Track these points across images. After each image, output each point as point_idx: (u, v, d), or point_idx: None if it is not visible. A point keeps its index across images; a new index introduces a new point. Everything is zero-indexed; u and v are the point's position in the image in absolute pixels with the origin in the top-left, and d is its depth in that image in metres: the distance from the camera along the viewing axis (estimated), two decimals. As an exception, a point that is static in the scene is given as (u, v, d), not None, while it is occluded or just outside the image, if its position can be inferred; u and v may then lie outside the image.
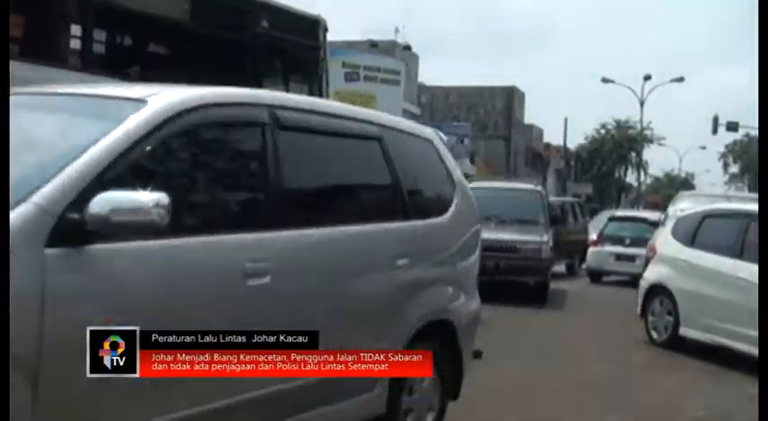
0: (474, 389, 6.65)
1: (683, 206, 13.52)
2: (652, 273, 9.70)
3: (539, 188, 15.17)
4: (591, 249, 17.97)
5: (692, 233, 9.15)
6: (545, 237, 12.73)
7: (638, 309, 9.67)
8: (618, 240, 17.30)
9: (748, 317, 7.40)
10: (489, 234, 11.86)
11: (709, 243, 8.79)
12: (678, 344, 8.89)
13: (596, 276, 18.00)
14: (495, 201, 13.19)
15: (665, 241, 9.82)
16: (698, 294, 8.66)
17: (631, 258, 15.91)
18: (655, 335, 9.29)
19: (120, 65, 8.69)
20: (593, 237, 19.13)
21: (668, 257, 9.44)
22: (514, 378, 7.18)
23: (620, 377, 7.55)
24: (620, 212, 22.01)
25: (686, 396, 6.86)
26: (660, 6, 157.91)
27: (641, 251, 13.79)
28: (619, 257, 17.07)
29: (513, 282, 12.44)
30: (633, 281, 13.19)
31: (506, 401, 6.31)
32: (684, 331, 8.81)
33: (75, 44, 7.73)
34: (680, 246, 9.25)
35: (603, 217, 24.74)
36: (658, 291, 9.33)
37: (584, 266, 19.00)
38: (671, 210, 13.92)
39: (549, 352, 8.51)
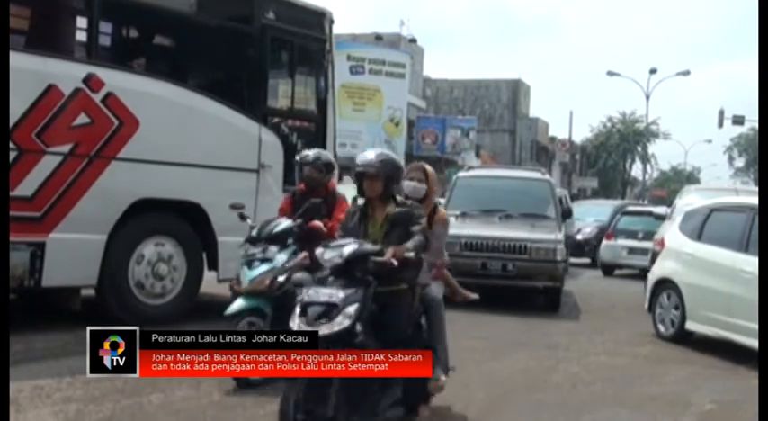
0: (484, 379, 6.67)
1: (690, 200, 13.45)
2: (659, 268, 9.57)
3: (547, 177, 13.28)
4: (604, 243, 18.25)
5: (699, 227, 9.04)
6: (558, 236, 11.30)
7: (646, 304, 9.60)
8: (631, 234, 17.50)
9: (753, 311, 7.32)
10: (494, 231, 10.98)
11: (715, 236, 8.68)
12: (685, 339, 8.79)
13: (609, 269, 18.28)
14: (498, 192, 12.23)
15: (672, 235, 9.65)
16: (704, 288, 8.55)
17: (644, 252, 15.92)
18: (662, 329, 9.21)
19: (125, 57, 8.68)
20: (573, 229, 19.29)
21: (675, 251, 9.31)
22: (523, 370, 7.19)
23: (628, 370, 7.53)
24: (632, 207, 22.09)
25: (694, 389, 6.84)
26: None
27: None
28: (632, 251, 17.28)
29: (521, 287, 11.17)
30: (643, 274, 13.10)
31: (517, 392, 6.31)
32: (690, 325, 8.72)
33: (80, 36, 7.71)
34: (687, 239, 9.14)
35: (584, 205, 24.66)
36: (666, 285, 9.22)
37: (570, 260, 19.04)
38: (678, 203, 13.83)
39: (557, 345, 8.50)
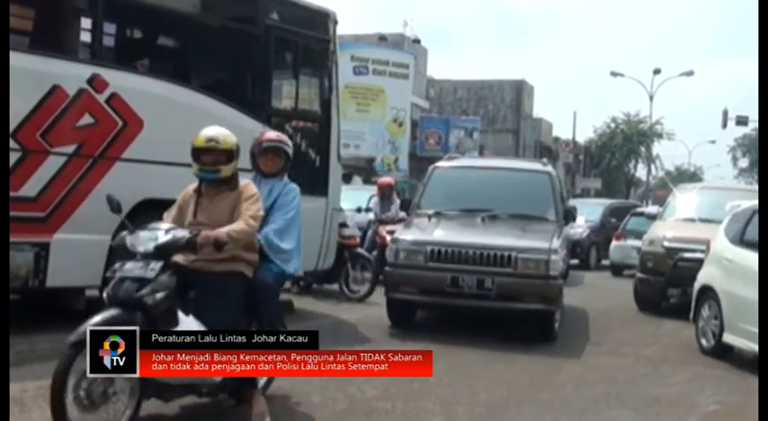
0: (488, 380, 6.67)
1: (687, 199, 13.32)
2: (704, 274, 8.87)
3: (549, 168, 10.46)
4: (614, 243, 18.30)
5: (741, 230, 8.31)
6: (554, 243, 8.54)
7: (691, 313, 8.93)
8: (640, 235, 17.46)
9: None
10: (469, 236, 8.64)
11: (756, 241, 7.72)
12: (725, 354, 8.16)
13: (619, 269, 18.32)
14: (485, 188, 9.86)
15: (717, 238, 8.83)
16: (741, 297, 7.77)
17: None
18: (703, 342, 8.55)
19: (129, 57, 8.68)
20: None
21: (717, 256, 8.63)
22: (526, 371, 7.18)
23: (632, 371, 7.53)
24: (641, 208, 22.09)
25: (698, 390, 6.84)
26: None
27: None
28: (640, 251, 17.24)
29: (501, 310, 8.52)
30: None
31: (520, 393, 6.31)
32: (728, 338, 7.99)
33: (84, 36, 7.72)
34: (728, 244, 8.46)
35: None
36: (708, 293, 8.55)
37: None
38: (672, 202, 13.73)
39: (560, 346, 8.49)
